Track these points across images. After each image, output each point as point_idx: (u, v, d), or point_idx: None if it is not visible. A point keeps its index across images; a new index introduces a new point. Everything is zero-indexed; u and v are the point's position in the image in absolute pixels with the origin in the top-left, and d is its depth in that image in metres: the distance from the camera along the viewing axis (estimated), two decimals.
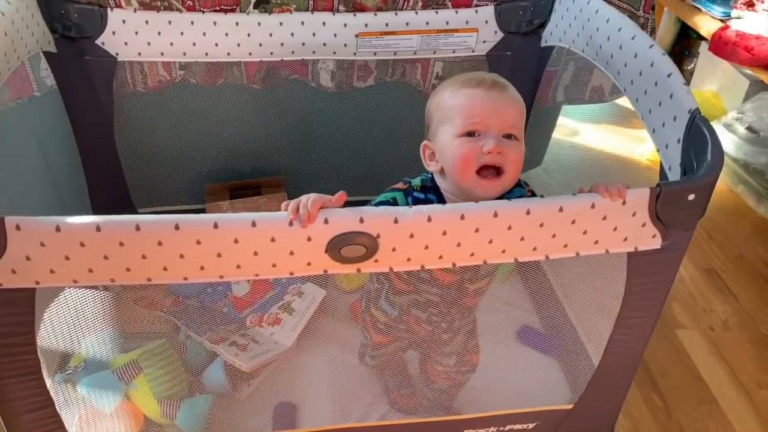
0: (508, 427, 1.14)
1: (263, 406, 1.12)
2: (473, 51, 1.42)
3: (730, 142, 2.17)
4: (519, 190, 1.01)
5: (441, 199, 0.97)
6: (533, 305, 1.36)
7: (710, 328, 1.64)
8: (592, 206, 0.81)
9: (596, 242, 0.85)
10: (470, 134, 0.92)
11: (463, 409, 1.14)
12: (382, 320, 1.04)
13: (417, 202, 0.96)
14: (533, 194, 1.02)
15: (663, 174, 0.95)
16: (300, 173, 1.55)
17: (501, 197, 0.98)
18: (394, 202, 0.95)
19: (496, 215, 0.79)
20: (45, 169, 1.26)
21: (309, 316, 1.31)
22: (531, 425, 1.14)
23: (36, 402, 0.90)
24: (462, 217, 0.79)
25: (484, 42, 1.42)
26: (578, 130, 2.48)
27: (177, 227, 0.73)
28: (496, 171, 0.92)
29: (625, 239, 0.86)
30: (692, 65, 2.53)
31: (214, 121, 1.45)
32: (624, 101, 2.56)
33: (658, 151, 0.96)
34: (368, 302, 1.06)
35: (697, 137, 0.85)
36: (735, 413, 1.42)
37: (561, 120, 1.87)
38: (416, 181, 0.98)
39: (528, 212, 0.80)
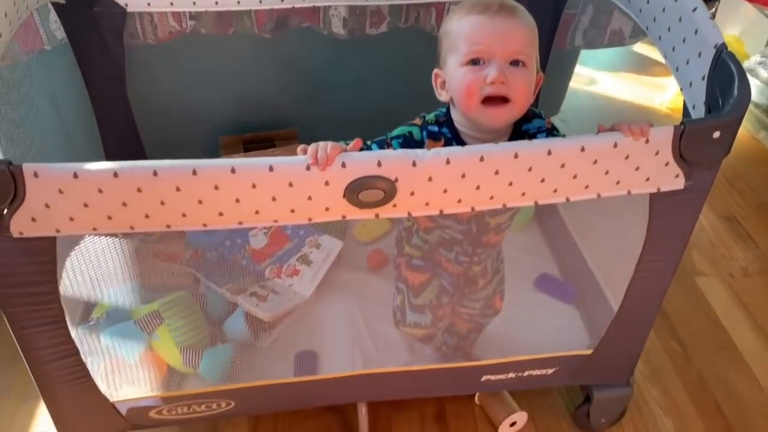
0: (526, 373, 1.14)
1: (284, 354, 1.14)
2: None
3: (752, 88, 2.11)
4: (539, 120, 0.98)
5: (455, 132, 0.96)
6: (551, 252, 1.35)
7: (730, 275, 1.63)
8: (615, 145, 0.79)
9: (618, 183, 0.84)
10: (475, 62, 0.89)
11: (482, 355, 1.14)
12: (417, 255, 1.03)
13: (431, 135, 0.95)
14: (553, 127, 0.98)
15: (686, 113, 0.93)
16: (313, 124, 1.54)
17: (520, 128, 0.97)
18: (410, 136, 0.94)
19: (516, 156, 0.78)
20: (58, 123, 1.26)
21: (327, 267, 1.31)
22: (550, 371, 1.15)
23: (61, 351, 0.91)
24: (481, 159, 0.77)
25: None
26: (596, 78, 2.44)
27: (194, 172, 0.72)
28: (503, 99, 0.89)
29: (648, 179, 0.84)
30: (714, 9, 2.46)
31: (225, 72, 1.43)
32: (643, 48, 2.52)
33: (681, 90, 0.94)
34: (401, 244, 1.05)
35: (723, 73, 0.83)
36: (754, 359, 1.42)
37: (578, 69, 1.83)
38: (430, 116, 0.97)
39: (549, 153, 0.78)
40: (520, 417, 1.24)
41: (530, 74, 0.91)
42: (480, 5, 0.91)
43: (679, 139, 0.80)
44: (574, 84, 1.87)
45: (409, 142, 0.94)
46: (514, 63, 0.89)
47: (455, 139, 0.95)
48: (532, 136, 0.97)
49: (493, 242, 1.00)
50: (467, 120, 0.94)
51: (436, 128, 0.95)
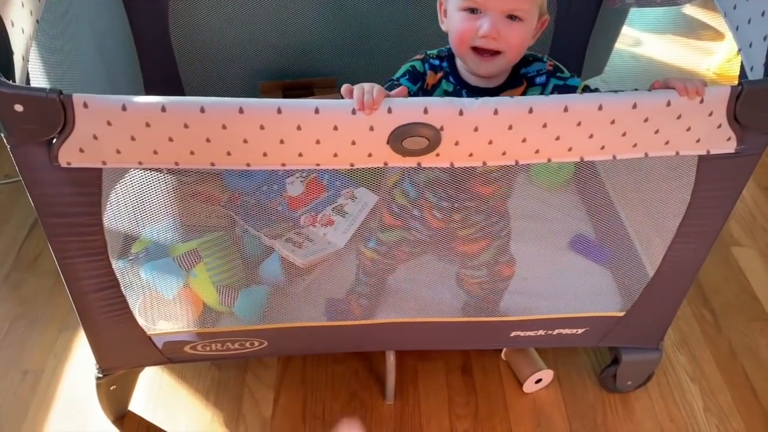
0: (557, 331, 1.15)
1: (316, 299, 1.15)
2: None
3: None
4: (539, 64, 0.96)
5: (453, 68, 0.96)
6: (588, 214, 1.33)
7: None
8: (668, 104, 0.77)
9: (667, 143, 0.82)
10: (472, 10, 0.88)
11: (511, 311, 1.14)
12: (400, 202, 1.02)
13: (432, 67, 0.96)
14: (556, 67, 0.96)
15: (743, 74, 0.90)
16: (354, 74, 1.51)
17: (518, 71, 0.96)
18: (413, 70, 0.95)
19: (566, 110, 0.76)
20: (101, 57, 1.26)
21: (361, 219, 1.31)
22: (580, 330, 1.15)
23: (103, 282, 0.94)
24: (530, 111, 0.76)
25: None
26: (641, 39, 2.36)
27: (241, 111, 0.72)
28: (494, 51, 0.89)
29: (698, 141, 0.82)
30: None
31: (269, 16, 1.41)
32: (692, 10, 2.43)
33: (739, 50, 0.90)
34: (397, 181, 1.04)
35: None
36: None
37: (624, 29, 1.77)
38: (432, 51, 0.98)
39: (600, 108, 0.76)
40: (546, 374, 1.25)
41: (527, 28, 0.89)
42: None
43: (735, 100, 0.78)
44: (618, 45, 1.81)
45: (414, 74, 0.95)
46: (511, 17, 0.87)
47: (452, 73, 0.96)
48: (531, 78, 0.96)
49: (480, 192, 0.96)
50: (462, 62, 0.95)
51: (437, 62, 0.97)
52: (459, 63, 0.96)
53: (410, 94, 0.92)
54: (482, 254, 1.07)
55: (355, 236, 1.28)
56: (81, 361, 1.28)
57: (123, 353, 1.09)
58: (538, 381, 1.25)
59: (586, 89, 0.95)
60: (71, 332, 1.32)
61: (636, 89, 0.88)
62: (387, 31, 1.47)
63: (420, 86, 0.94)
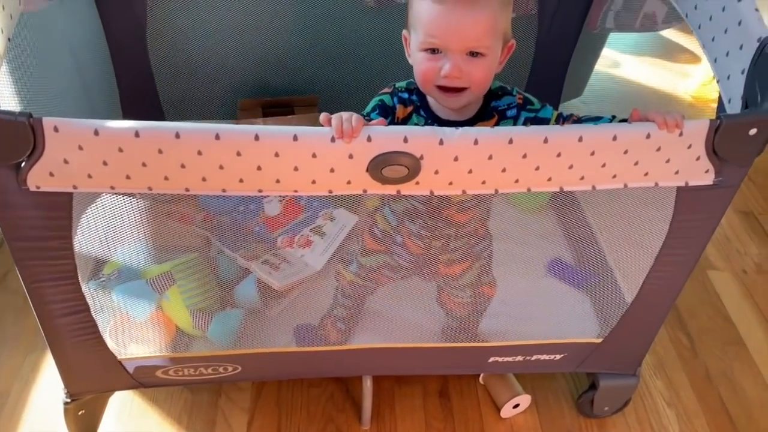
0: (534, 357, 1.14)
1: (292, 323, 1.13)
2: None
3: None
4: (509, 97, 0.96)
5: (423, 101, 0.96)
6: (566, 239, 1.33)
7: (743, 271, 1.62)
8: (648, 136, 0.77)
9: (646, 174, 0.82)
10: (433, 50, 0.87)
11: (489, 337, 1.14)
12: (382, 226, 1.02)
13: (402, 101, 0.95)
14: (526, 100, 0.96)
15: (721, 106, 0.90)
16: (335, 92, 1.51)
17: (489, 104, 0.96)
18: (382, 104, 0.94)
19: (546, 141, 0.76)
20: (77, 74, 1.24)
21: (340, 241, 1.30)
22: (558, 356, 1.14)
23: (72, 306, 0.91)
24: (510, 142, 0.75)
25: None
26: (619, 61, 2.38)
27: (217, 137, 0.71)
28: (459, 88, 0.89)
29: (677, 173, 0.83)
30: None
31: (249, 33, 1.41)
32: (670, 33, 2.47)
33: (718, 82, 0.91)
34: (376, 209, 1.03)
35: (766, 68, 0.80)
36: (762, 356, 1.41)
37: (603, 51, 1.79)
38: (401, 84, 0.97)
39: (580, 139, 0.76)
40: (524, 399, 1.24)
41: (490, 62, 0.89)
42: None
43: (714, 133, 0.78)
44: (598, 66, 1.83)
45: (384, 108, 0.94)
46: (472, 53, 0.87)
47: (423, 106, 0.95)
48: (502, 112, 0.96)
49: (457, 220, 0.96)
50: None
51: (406, 95, 0.96)
52: (429, 97, 0.95)
53: None
54: (465, 275, 1.06)
55: (333, 258, 1.26)
56: (48, 385, 1.24)
57: (92, 378, 1.06)
58: (516, 406, 1.24)
59: (560, 117, 0.95)
60: (39, 354, 1.28)
61: (613, 117, 0.89)
62: (367, 50, 1.47)
63: (390, 121, 0.93)
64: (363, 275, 1.08)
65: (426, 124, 0.94)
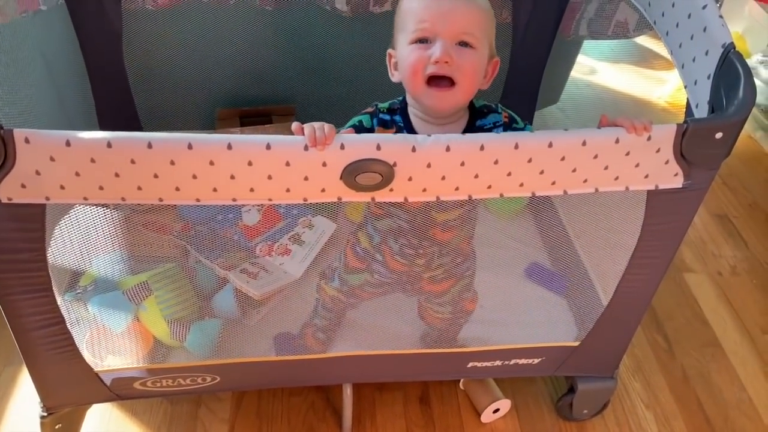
0: (513, 361, 1.15)
1: (271, 332, 1.13)
2: None
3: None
4: (494, 115, 0.97)
5: (407, 121, 0.95)
6: (543, 243, 1.35)
7: (718, 273, 1.64)
8: (617, 141, 0.79)
9: (617, 178, 0.83)
10: (422, 41, 0.88)
11: (468, 342, 1.14)
12: (365, 244, 1.01)
13: (382, 123, 0.94)
14: (511, 118, 0.97)
15: (689, 111, 0.92)
16: (312, 101, 1.52)
17: (474, 123, 0.96)
18: (359, 125, 0.93)
19: (516, 147, 0.77)
20: (52, 86, 1.23)
21: (319, 248, 1.30)
22: (536, 360, 1.15)
23: (47, 319, 0.90)
24: (482, 148, 0.76)
25: None
26: (596, 68, 2.42)
27: (190, 146, 0.71)
28: (449, 81, 0.88)
29: (647, 176, 0.84)
30: (719, 5, 2.44)
31: (225, 43, 1.41)
32: (645, 40, 2.51)
33: (686, 87, 0.93)
34: (359, 227, 1.04)
35: (730, 73, 0.82)
36: (737, 357, 1.43)
37: (579, 58, 1.82)
38: (384, 105, 0.96)
39: (550, 145, 0.77)
40: (504, 404, 1.25)
41: (478, 56, 0.89)
42: None
43: (681, 137, 0.80)
44: (574, 73, 1.86)
45: (359, 130, 0.93)
46: (462, 44, 0.88)
47: (407, 127, 0.94)
48: (488, 131, 0.96)
49: (441, 239, 0.96)
50: (418, 103, 0.93)
51: (387, 116, 0.95)
52: (413, 116, 0.95)
53: None
54: (447, 293, 1.07)
55: (312, 266, 1.27)
56: (25, 399, 1.23)
57: (69, 391, 1.05)
58: (496, 411, 1.25)
59: None
60: (15, 368, 1.27)
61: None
62: (346, 60, 1.48)
63: None
64: (345, 291, 1.08)
65: None
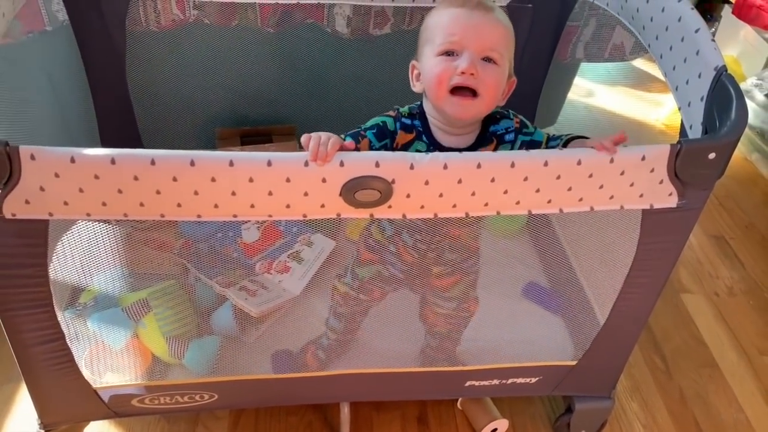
0: (510, 380, 1.15)
1: (269, 350, 1.13)
2: (494, 1, 1.39)
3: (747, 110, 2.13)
4: (506, 121, 0.99)
5: (426, 126, 0.97)
6: (541, 262, 1.35)
7: (715, 294, 1.65)
8: (611, 161, 0.80)
9: (612, 197, 0.84)
10: (449, 54, 0.91)
11: (466, 360, 1.15)
12: (377, 237, 1.03)
13: (404, 127, 0.97)
14: (522, 123, 1.00)
15: (683, 132, 0.94)
16: (312, 122, 1.53)
17: (488, 129, 0.98)
18: (383, 126, 0.95)
19: (513, 165, 0.78)
20: (55, 105, 1.25)
21: (318, 266, 1.31)
22: (533, 379, 1.15)
23: (47, 334, 0.91)
24: (478, 166, 0.78)
25: None
26: (593, 90, 2.44)
27: (192, 163, 0.72)
28: (472, 93, 0.91)
29: (641, 196, 0.85)
30: (713, 29, 2.48)
31: (226, 65, 1.43)
32: (642, 63, 2.53)
33: (679, 109, 0.94)
34: (372, 222, 1.04)
35: (722, 95, 0.84)
36: (735, 378, 1.43)
37: (576, 80, 1.84)
38: (404, 109, 0.99)
39: (546, 164, 0.79)
40: (501, 424, 1.24)
41: (501, 73, 0.93)
42: (459, 0, 0.94)
43: (675, 157, 0.81)
44: (571, 95, 1.88)
45: (383, 131, 0.95)
46: (487, 59, 0.91)
47: (425, 132, 0.97)
48: (500, 137, 0.99)
49: (453, 234, 0.99)
50: (437, 111, 0.95)
51: (408, 121, 0.97)
52: (432, 122, 0.97)
53: (371, 149, 0.92)
54: (453, 288, 1.08)
55: (311, 283, 1.27)
56: (23, 415, 1.22)
57: (67, 407, 1.05)
58: (494, 430, 1.25)
59: (548, 139, 0.99)
60: (14, 384, 1.27)
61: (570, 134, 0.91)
62: (345, 81, 1.50)
63: (386, 144, 0.94)
64: (356, 287, 1.08)
65: (428, 150, 0.96)
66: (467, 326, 1.14)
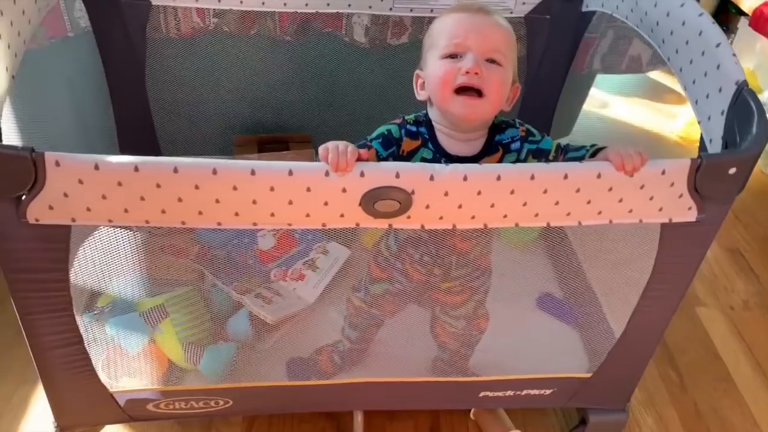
0: (524, 392, 1.15)
1: (284, 357, 1.14)
2: (512, 12, 1.39)
3: None
4: (512, 130, 0.99)
5: (431, 133, 0.98)
6: (555, 273, 1.35)
7: (730, 308, 1.63)
8: (631, 174, 0.80)
9: (631, 211, 0.84)
10: (453, 56, 0.93)
11: (480, 371, 1.14)
12: (386, 254, 1.03)
13: (409, 134, 0.97)
14: (528, 132, 1.00)
15: (703, 146, 0.94)
16: (328, 130, 1.54)
17: (493, 138, 0.98)
18: (388, 134, 0.96)
19: (533, 178, 0.78)
20: (76, 111, 1.26)
21: (333, 274, 1.31)
22: (548, 391, 1.15)
23: (66, 338, 0.92)
24: (498, 178, 0.78)
25: (524, 3, 1.39)
26: (608, 102, 2.44)
27: (215, 172, 0.73)
28: (477, 93, 0.92)
29: (661, 209, 0.85)
30: (729, 40, 2.47)
31: (245, 72, 1.44)
32: (657, 74, 2.53)
33: (699, 123, 0.94)
34: (381, 239, 1.05)
35: (743, 110, 0.84)
36: (750, 392, 1.42)
37: (591, 91, 1.84)
38: (410, 117, 0.99)
39: (565, 177, 0.79)
40: None
41: (505, 74, 0.94)
42: (461, 7, 0.96)
43: (695, 172, 0.81)
44: (586, 106, 1.88)
45: (388, 139, 0.95)
46: (490, 60, 0.92)
47: (431, 139, 0.97)
48: (506, 146, 0.99)
49: (460, 248, 0.99)
50: (443, 117, 0.96)
51: (414, 128, 0.98)
52: (438, 129, 0.97)
53: (378, 159, 0.93)
54: (462, 306, 1.07)
55: (325, 292, 1.27)
56: (39, 417, 1.23)
57: (83, 411, 1.06)
58: None
59: (558, 147, 0.98)
60: (30, 386, 1.28)
61: (593, 145, 0.91)
62: (363, 90, 1.50)
63: (392, 152, 0.95)
64: (368, 301, 1.09)
65: (434, 158, 0.97)
66: (479, 342, 1.14)
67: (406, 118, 0.99)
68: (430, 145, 0.97)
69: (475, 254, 1.01)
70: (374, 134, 0.96)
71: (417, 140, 0.97)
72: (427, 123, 0.98)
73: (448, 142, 0.97)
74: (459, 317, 1.09)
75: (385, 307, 1.09)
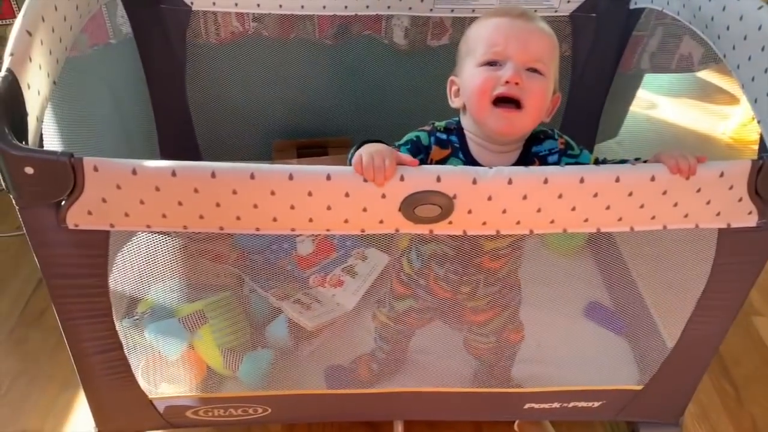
0: (572, 404, 1.10)
1: (322, 364, 1.12)
2: (556, 11, 1.36)
3: None
4: (550, 142, 0.94)
5: (463, 142, 0.93)
6: (603, 281, 1.30)
7: None
8: (687, 178, 0.76)
9: (686, 216, 0.80)
10: (492, 64, 0.87)
11: (524, 382, 1.11)
12: (408, 271, 1.00)
13: (439, 142, 0.93)
14: (567, 145, 0.95)
15: (763, 147, 0.88)
16: (368, 134, 1.51)
17: (530, 149, 0.93)
18: (417, 140, 0.92)
19: (582, 181, 0.75)
20: (117, 116, 1.28)
21: (372, 280, 1.29)
22: (596, 403, 1.11)
23: (106, 344, 0.92)
24: (545, 182, 0.75)
25: (569, 1, 1.35)
26: (656, 103, 2.36)
27: (252, 176, 0.71)
28: (516, 104, 0.86)
29: (718, 214, 0.80)
30: None
31: (284, 76, 1.44)
32: (707, 74, 2.44)
33: (759, 122, 0.89)
34: (403, 253, 1.02)
35: None
36: None
37: (638, 92, 1.78)
38: (441, 123, 0.95)
39: (617, 180, 0.75)
40: None
41: (547, 84, 0.88)
42: (501, 10, 0.91)
43: (756, 174, 0.76)
44: (633, 107, 1.82)
45: (417, 146, 0.92)
46: (532, 70, 0.87)
47: (462, 149, 0.93)
48: (543, 158, 0.94)
49: (489, 267, 0.94)
50: (477, 127, 0.91)
51: (444, 136, 0.93)
52: (470, 138, 0.93)
53: None
54: (491, 323, 1.04)
55: (364, 298, 1.26)
56: (81, 423, 1.24)
57: (123, 416, 1.06)
58: None
59: (596, 162, 0.94)
60: (72, 392, 1.29)
61: (637, 159, 0.87)
62: (402, 93, 1.48)
63: (421, 160, 0.90)
64: (393, 317, 1.07)
65: None
66: (517, 353, 1.10)
67: (436, 124, 0.95)
68: (460, 155, 0.93)
69: (505, 271, 0.97)
70: (403, 140, 0.93)
71: (447, 149, 0.93)
72: (459, 131, 0.94)
73: (480, 152, 0.92)
74: (488, 333, 1.05)
75: (411, 323, 1.06)
